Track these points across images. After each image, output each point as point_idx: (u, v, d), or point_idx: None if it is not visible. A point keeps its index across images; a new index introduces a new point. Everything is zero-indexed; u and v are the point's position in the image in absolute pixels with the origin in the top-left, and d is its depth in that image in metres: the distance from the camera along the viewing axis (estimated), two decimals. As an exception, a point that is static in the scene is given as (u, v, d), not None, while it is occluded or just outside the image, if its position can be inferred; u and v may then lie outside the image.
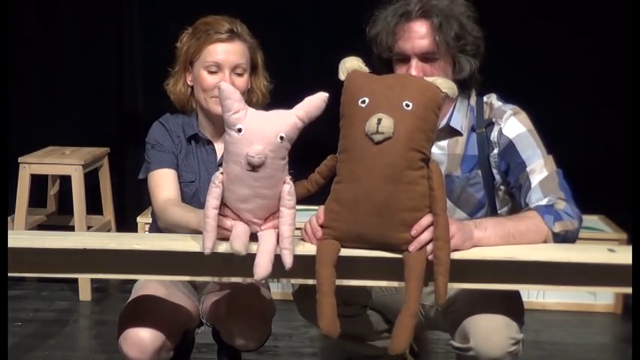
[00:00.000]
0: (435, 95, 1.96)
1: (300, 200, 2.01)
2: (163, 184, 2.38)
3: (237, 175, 1.89)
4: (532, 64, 4.24)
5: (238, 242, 1.90)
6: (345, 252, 1.96)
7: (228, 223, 1.95)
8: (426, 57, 2.22)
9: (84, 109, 4.59)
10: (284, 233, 1.91)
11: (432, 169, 1.95)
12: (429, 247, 1.91)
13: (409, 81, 2.02)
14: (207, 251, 1.90)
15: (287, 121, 1.90)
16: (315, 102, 1.93)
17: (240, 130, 1.87)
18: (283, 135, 1.89)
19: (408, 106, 1.92)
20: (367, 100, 1.95)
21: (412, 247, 1.91)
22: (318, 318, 1.90)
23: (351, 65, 2.02)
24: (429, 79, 2.01)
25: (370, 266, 1.99)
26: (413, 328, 1.90)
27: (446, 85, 1.98)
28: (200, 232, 1.97)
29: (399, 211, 1.92)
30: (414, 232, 1.91)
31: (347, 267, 1.96)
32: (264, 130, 1.88)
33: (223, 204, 1.94)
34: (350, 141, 1.96)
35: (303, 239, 2.01)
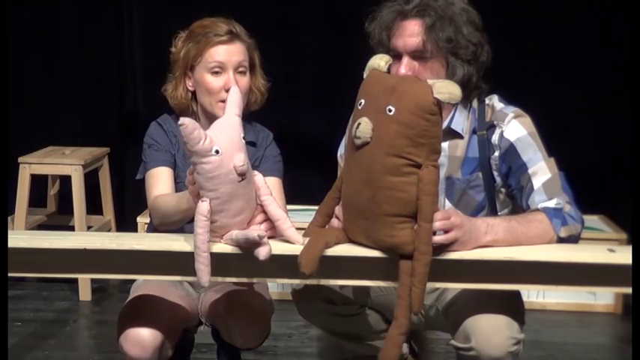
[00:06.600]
0: (423, 101, 1.89)
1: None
2: (158, 182, 2.38)
3: (232, 192, 1.94)
4: (533, 65, 4.23)
5: (252, 231, 1.94)
6: (339, 251, 1.96)
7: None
8: (416, 55, 2.21)
9: (84, 109, 4.58)
10: (278, 215, 1.98)
11: (420, 177, 1.90)
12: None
13: (404, 85, 1.94)
14: (207, 284, 1.95)
15: (236, 122, 2.00)
16: (236, 97, 2.03)
17: (218, 152, 1.91)
18: (243, 134, 1.99)
19: (390, 110, 1.90)
20: (363, 103, 1.97)
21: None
22: (301, 252, 1.91)
23: (371, 64, 2.04)
24: (431, 81, 1.94)
25: (368, 266, 1.98)
26: (402, 342, 1.95)
27: (443, 89, 1.90)
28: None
29: (382, 215, 1.92)
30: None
31: (345, 266, 1.97)
32: (233, 140, 1.95)
33: (210, 231, 1.96)
34: (348, 141, 1.99)
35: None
